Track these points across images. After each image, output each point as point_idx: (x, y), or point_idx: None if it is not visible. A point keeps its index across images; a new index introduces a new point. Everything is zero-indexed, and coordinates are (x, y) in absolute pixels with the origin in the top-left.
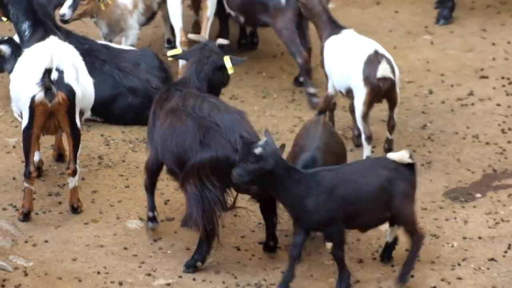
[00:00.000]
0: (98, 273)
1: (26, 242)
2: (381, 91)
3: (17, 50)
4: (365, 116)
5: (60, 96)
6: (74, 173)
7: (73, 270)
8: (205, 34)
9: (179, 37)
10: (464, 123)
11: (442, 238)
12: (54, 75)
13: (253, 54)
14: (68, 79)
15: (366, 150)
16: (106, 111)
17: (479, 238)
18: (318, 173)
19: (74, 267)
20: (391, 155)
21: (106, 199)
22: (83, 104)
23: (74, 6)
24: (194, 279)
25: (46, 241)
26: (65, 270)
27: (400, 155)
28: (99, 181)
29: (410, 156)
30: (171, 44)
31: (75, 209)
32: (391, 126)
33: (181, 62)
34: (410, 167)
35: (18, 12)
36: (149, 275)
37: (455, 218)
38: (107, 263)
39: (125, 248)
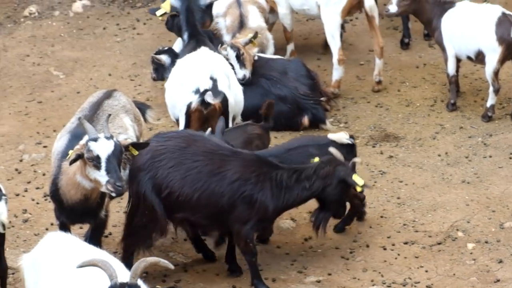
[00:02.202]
0: None
1: (185, 240)
2: None
3: (176, 60)
4: (496, 72)
5: (216, 103)
6: None
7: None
8: (380, 42)
9: (337, 56)
10: None
11: None
12: (209, 84)
13: (397, 65)
14: (221, 87)
15: (492, 100)
16: (257, 118)
17: None
18: None
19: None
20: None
21: None
22: (234, 109)
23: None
24: (343, 277)
25: (204, 239)
26: (222, 267)
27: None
28: None
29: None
30: None
31: None
32: None
33: (334, 77)
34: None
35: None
36: (301, 272)
37: None
38: (261, 261)
39: (278, 247)
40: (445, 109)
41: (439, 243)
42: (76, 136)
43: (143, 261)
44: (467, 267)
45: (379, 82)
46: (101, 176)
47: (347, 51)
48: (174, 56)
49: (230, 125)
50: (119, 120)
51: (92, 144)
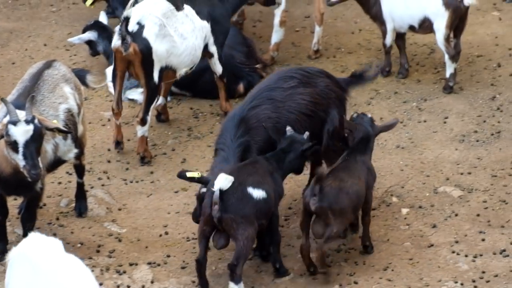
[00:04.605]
0: (187, 239)
1: (119, 209)
2: (461, 12)
3: (103, 32)
4: (447, 38)
5: (133, 47)
6: (142, 122)
7: (163, 236)
8: (321, 8)
9: (279, 17)
10: None
11: (511, 203)
12: (134, 27)
13: (332, 31)
14: (147, 34)
15: (450, 69)
16: (194, 86)
17: None
18: None
19: (165, 233)
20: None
21: (195, 168)
22: (169, 61)
23: None
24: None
25: (138, 209)
26: (156, 236)
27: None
28: (188, 151)
29: None
30: None
31: (142, 159)
32: (457, 53)
33: (274, 40)
34: None
35: None
36: None
37: None
38: (195, 229)
39: None
40: (379, 75)
41: (373, 209)
42: (16, 107)
43: None
44: (401, 232)
45: (317, 51)
46: (19, 159)
47: None
48: (102, 28)
49: (156, 76)
50: (59, 90)
51: (11, 128)
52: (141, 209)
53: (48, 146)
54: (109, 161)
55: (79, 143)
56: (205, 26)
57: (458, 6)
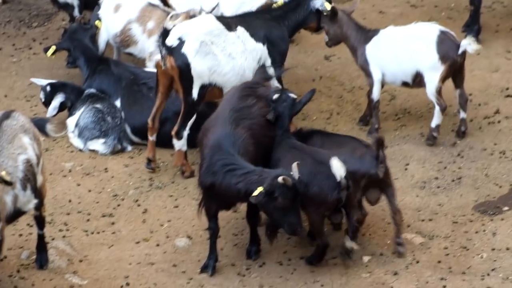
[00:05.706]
0: None
1: (80, 261)
2: (457, 65)
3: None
4: (439, 91)
5: (169, 61)
6: (177, 136)
7: (125, 287)
8: None
9: None
10: (491, 140)
11: (472, 249)
12: (174, 43)
13: (293, 78)
14: (186, 49)
15: (438, 120)
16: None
17: (507, 249)
18: None
19: (126, 284)
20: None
21: (156, 218)
22: (213, 79)
23: None
24: None
25: (99, 260)
26: (118, 287)
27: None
28: (150, 201)
29: None
30: None
31: (182, 173)
32: (464, 101)
33: None
34: None
35: None
36: None
37: (484, 231)
38: (157, 280)
39: (174, 265)
40: (340, 122)
41: (334, 257)
42: None
43: None
44: (362, 280)
45: None
46: None
47: None
48: (60, 86)
49: (195, 92)
50: (18, 140)
51: None
52: (102, 260)
53: (7, 198)
54: (69, 213)
55: (38, 193)
56: (260, 48)
57: (455, 60)
